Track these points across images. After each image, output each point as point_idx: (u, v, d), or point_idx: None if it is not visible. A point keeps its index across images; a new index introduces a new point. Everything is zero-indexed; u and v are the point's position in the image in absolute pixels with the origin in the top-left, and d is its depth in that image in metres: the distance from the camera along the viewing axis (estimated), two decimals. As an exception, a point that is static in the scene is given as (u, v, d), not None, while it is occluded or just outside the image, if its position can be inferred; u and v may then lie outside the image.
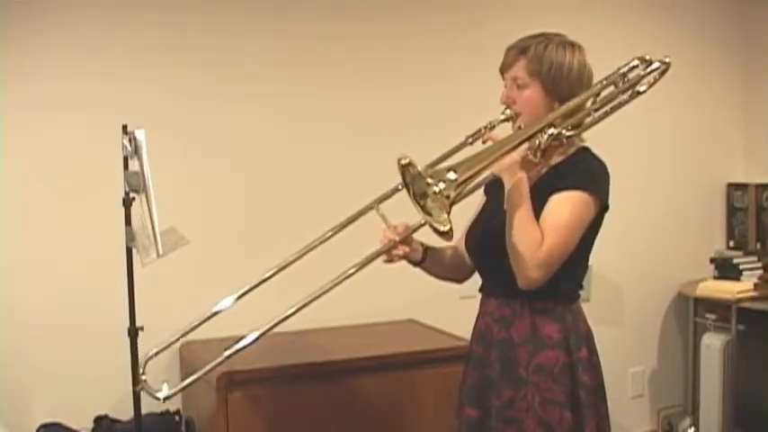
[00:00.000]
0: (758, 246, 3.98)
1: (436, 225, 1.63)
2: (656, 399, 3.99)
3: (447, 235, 1.62)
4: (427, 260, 2.02)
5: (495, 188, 1.94)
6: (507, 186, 1.77)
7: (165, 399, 1.90)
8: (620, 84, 1.86)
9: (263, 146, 3.13)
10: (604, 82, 1.87)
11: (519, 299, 1.86)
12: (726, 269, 3.78)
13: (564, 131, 1.81)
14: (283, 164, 3.16)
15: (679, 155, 3.97)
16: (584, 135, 1.90)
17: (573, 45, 1.89)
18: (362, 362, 2.70)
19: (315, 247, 2.05)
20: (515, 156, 1.75)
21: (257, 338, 1.90)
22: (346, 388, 2.65)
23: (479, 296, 2.02)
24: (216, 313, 2.04)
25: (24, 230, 2.77)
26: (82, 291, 2.82)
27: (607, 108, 1.85)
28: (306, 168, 3.18)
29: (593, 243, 1.89)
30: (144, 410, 2.48)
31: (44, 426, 2.72)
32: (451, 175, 1.60)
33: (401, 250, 1.93)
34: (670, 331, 4.02)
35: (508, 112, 1.88)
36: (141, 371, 1.99)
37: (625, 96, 1.86)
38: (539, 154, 1.80)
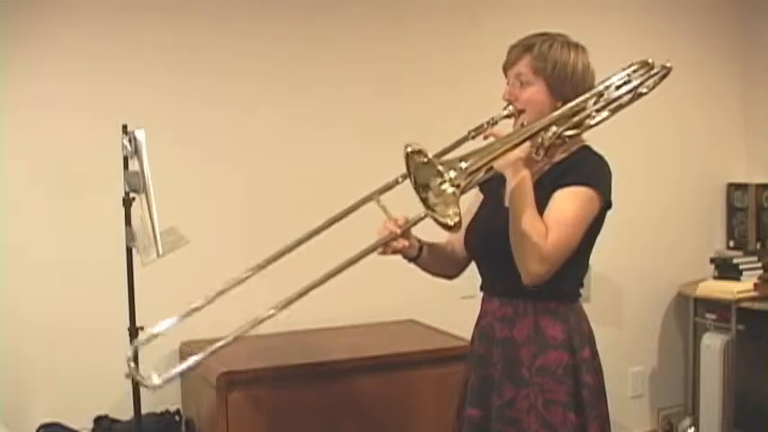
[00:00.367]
0: (758, 246, 3.98)
1: (440, 218, 1.62)
2: (656, 399, 3.99)
3: (452, 228, 1.62)
4: (422, 256, 2.02)
5: (493, 185, 1.94)
6: (511, 183, 1.77)
7: (156, 387, 1.88)
8: (622, 86, 1.86)
9: (263, 146, 3.13)
10: (607, 83, 1.87)
11: (522, 298, 1.86)
12: (726, 269, 3.78)
13: (566, 130, 1.81)
14: (284, 164, 3.16)
15: (679, 155, 3.97)
16: (585, 134, 1.90)
17: (577, 46, 1.90)
18: (362, 362, 2.70)
19: (312, 236, 2.04)
20: (519, 152, 1.75)
21: (247, 330, 1.88)
22: (346, 388, 2.65)
23: (479, 296, 2.02)
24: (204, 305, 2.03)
25: (24, 230, 2.77)
26: (82, 291, 2.82)
27: (609, 109, 1.85)
28: (306, 169, 3.18)
29: (594, 241, 1.89)
30: (144, 410, 2.48)
31: (44, 426, 2.73)
32: (463, 164, 1.60)
33: (400, 243, 1.93)
34: (670, 331, 4.02)
35: (510, 108, 1.88)
36: (131, 358, 1.97)
37: (626, 98, 1.86)
38: (542, 152, 1.80)
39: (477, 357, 1.96)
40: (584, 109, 1.84)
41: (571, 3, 3.62)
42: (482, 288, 2.01)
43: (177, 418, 2.89)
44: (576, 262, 1.83)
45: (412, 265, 2.05)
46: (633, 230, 3.66)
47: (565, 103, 1.84)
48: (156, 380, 1.87)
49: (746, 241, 4.02)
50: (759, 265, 3.76)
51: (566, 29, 1.95)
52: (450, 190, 1.59)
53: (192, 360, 1.89)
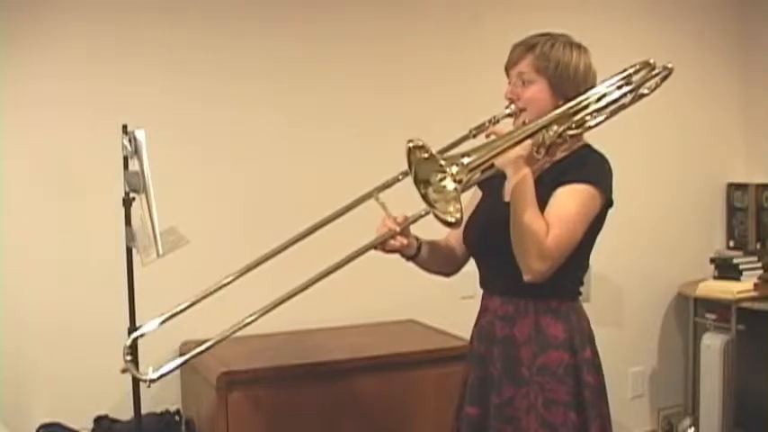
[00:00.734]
0: (758, 246, 3.98)
1: (441, 214, 1.63)
2: (656, 399, 3.99)
3: (453, 225, 1.62)
4: (420, 255, 2.02)
5: (492, 182, 1.94)
6: (512, 180, 1.77)
7: (151, 381, 1.88)
8: (624, 86, 1.86)
9: (263, 146, 3.13)
10: (608, 83, 1.87)
11: (523, 296, 1.86)
12: (726, 269, 3.78)
13: (568, 130, 1.81)
14: (284, 164, 3.16)
15: (679, 155, 3.97)
16: (585, 134, 1.90)
17: (579, 46, 1.90)
18: (362, 362, 2.70)
19: (310, 233, 2.04)
20: (520, 150, 1.76)
21: (242, 326, 1.88)
22: (346, 388, 2.65)
23: (479, 296, 2.02)
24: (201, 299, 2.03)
25: (24, 230, 2.77)
26: (82, 291, 2.82)
27: (610, 109, 1.85)
28: (306, 168, 3.18)
29: (595, 239, 1.89)
30: (144, 410, 2.48)
31: (44, 426, 2.73)
32: (465, 160, 1.60)
33: (398, 241, 1.93)
34: (670, 331, 4.02)
35: (513, 107, 1.89)
36: (127, 351, 1.97)
37: (628, 98, 1.86)
38: (543, 150, 1.80)
39: (476, 356, 1.96)
40: (585, 108, 1.84)
41: (571, 2, 3.62)
42: (482, 286, 2.01)
43: (177, 418, 2.89)
44: (576, 260, 1.83)
45: (412, 266, 2.05)
46: (633, 230, 3.66)
47: (566, 102, 1.84)
48: (151, 374, 1.86)
49: (746, 241, 4.02)
50: (759, 265, 3.76)
51: (566, 28, 1.95)
52: (452, 186, 1.59)
53: (190, 354, 1.89)
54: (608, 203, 1.85)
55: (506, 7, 3.52)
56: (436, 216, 1.65)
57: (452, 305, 2.95)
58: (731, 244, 4.09)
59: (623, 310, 3.89)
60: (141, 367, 2.07)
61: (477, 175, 1.74)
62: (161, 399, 2.86)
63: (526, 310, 1.87)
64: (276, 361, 2.66)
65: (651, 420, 3.99)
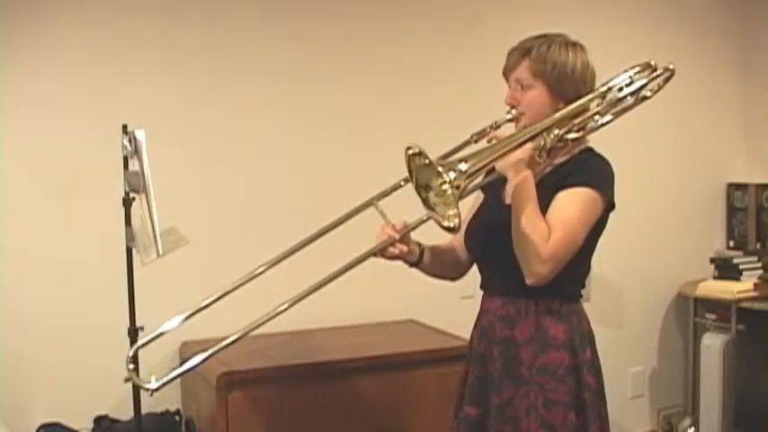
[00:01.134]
0: (758, 246, 3.98)
1: (440, 219, 1.63)
2: (656, 399, 3.99)
3: (452, 230, 1.62)
4: (423, 261, 2.02)
5: (493, 186, 1.94)
6: (512, 183, 1.77)
7: (154, 390, 1.88)
8: (625, 88, 1.86)
9: (263, 146, 3.13)
10: (609, 85, 1.87)
11: (524, 297, 1.86)
12: (726, 269, 3.78)
13: (569, 133, 1.81)
14: (284, 164, 3.16)
15: (679, 155, 3.97)
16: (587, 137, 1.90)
17: (575, 45, 1.89)
18: (362, 362, 2.70)
19: (311, 241, 2.05)
20: (521, 153, 1.76)
21: (246, 333, 1.89)
22: (346, 388, 2.65)
23: (479, 296, 2.02)
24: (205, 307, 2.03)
25: (24, 230, 2.77)
26: (82, 291, 2.82)
27: (612, 112, 1.85)
28: (307, 169, 3.18)
29: (596, 242, 1.89)
30: (144, 410, 2.48)
31: (44, 426, 2.72)
32: (463, 166, 1.60)
33: (398, 249, 1.93)
34: (670, 331, 4.02)
35: (514, 112, 1.89)
36: (129, 360, 1.98)
37: (630, 100, 1.86)
38: (544, 154, 1.80)
39: (476, 356, 1.96)
40: (586, 111, 1.84)
41: (571, 3, 3.62)
42: (482, 287, 2.01)
43: (177, 418, 2.89)
44: (578, 263, 1.83)
45: (407, 266, 2.05)
46: (633, 230, 3.66)
47: (566, 104, 1.84)
48: (153, 383, 1.87)
49: (746, 241, 4.02)
50: (759, 265, 3.76)
51: (565, 29, 1.95)
52: (450, 191, 1.59)
53: (188, 364, 1.89)
54: (610, 206, 1.85)
55: (505, 8, 3.52)
56: (435, 221, 1.65)
57: (452, 305, 2.95)
58: (731, 244, 4.09)
59: (623, 310, 3.89)
60: (142, 369, 2.08)
61: (478, 179, 1.74)
62: (161, 399, 2.85)
63: (527, 311, 1.87)
64: (276, 361, 2.66)
65: (651, 420, 3.99)
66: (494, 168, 1.80)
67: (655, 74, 1.87)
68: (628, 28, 3.77)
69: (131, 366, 1.96)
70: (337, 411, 2.62)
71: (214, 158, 3.05)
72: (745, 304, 3.60)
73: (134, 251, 2.34)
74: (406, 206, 1.86)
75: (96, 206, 2.76)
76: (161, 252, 2.23)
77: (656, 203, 3.88)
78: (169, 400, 2.89)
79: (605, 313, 3.70)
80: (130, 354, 2.00)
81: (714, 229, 4.12)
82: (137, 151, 2.26)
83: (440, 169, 1.59)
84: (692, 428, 3.82)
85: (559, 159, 1.89)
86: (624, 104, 1.86)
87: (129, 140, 2.28)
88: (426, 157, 1.62)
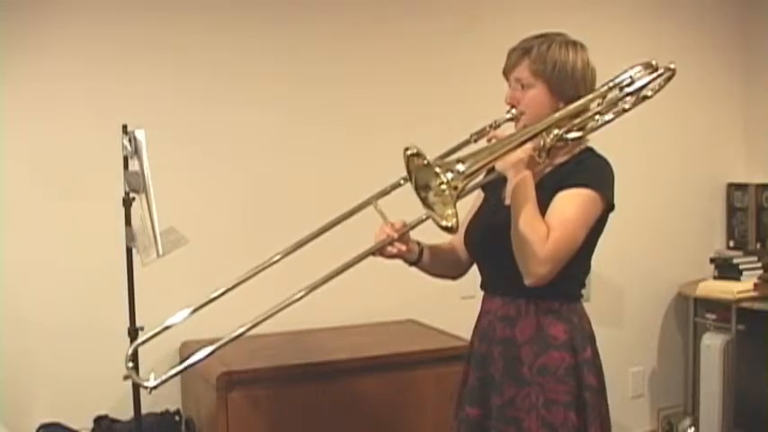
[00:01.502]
0: (758, 246, 3.98)
1: (439, 219, 1.63)
2: (656, 399, 3.99)
3: (451, 230, 1.62)
4: (422, 260, 2.02)
5: (493, 185, 1.94)
6: (512, 183, 1.77)
7: (153, 388, 1.88)
8: (626, 87, 1.85)
9: (263, 146, 3.13)
10: (610, 84, 1.87)
11: (524, 298, 1.86)
12: (726, 269, 3.78)
13: (569, 133, 1.80)
14: (283, 164, 3.16)
15: (679, 155, 3.97)
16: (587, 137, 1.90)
17: (575, 44, 1.89)
18: (362, 362, 2.70)
19: (310, 240, 2.05)
20: (520, 153, 1.75)
21: (242, 333, 1.89)
22: (346, 388, 2.65)
23: (480, 296, 2.01)
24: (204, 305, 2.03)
25: (24, 230, 2.77)
26: (82, 291, 2.82)
27: (612, 112, 1.85)
28: (306, 168, 3.19)
29: (596, 243, 1.89)
30: (144, 410, 2.48)
31: (44, 426, 2.73)
32: (460, 167, 1.60)
33: (397, 248, 1.93)
34: (670, 331, 4.02)
35: (514, 111, 1.88)
36: (129, 358, 1.98)
37: (630, 100, 1.86)
38: (544, 154, 1.79)
39: (477, 356, 1.96)
40: (586, 111, 1.84)
41: (570, 3, 3.62)
42: (483, 287, 2.01)
43: (177, 418, 2.89)
44: (578, 263, 1.83)
45: (407, 265, 2.05)
46: (633, 230, 3.66)
47: (567, 103, 1.84)
48: (152, 381, 1.86)
49: (746, 241, 4.02)
50: (759, 265, 3.76)
51: (565, 29, 1.95)
52: (448, 192, 1.59)
53: (187, 362, 1.89)
54: (609, 207, 1.85)
55: (504, 8, 3.52)
56: (434, 221, 1.65)
57: (452, 305, 2.95)
58: (731, 244, 4.09)
59: (623, 310, 3.89)
60: (142, 368, 2.08)
61: (477, 179, 1.74)
62: (161, 399, 2.85)
63: (527, 311, 1.87)
64: (276, 361, 2.66)
65: (651, 420, 3.99)
66: (494, 167, 1.80)
67: (656, 73, 1.86)
68: (628, 28, 3.77)
69: (130, 364, 1.96)
70: (337, 411, 2.62)
71: (214, 158, 3.05)
72: (745, 304, 3.60)
73: (134, 251, 2.34)
74: (406, 205, 1.85)
75: (96, 206, 2.76)
76: (161, 252, 2.23)
77: (656, 203, 3.88)
78: (169, 400, 2.89)
79: (605, 313, 3.69)
80: (130, 351, 2.00)
81: (714, 229, 4.12)
82: (137, 151, 2.26)
83: (437, 170, 1.58)
84: (692, 428, 3.82)
85: (559, 159, 1.89)
86: (625, 104, 1.85)
87: (129, 140, 2.28)
88: (424, 158, 1.62)
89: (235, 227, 3.06)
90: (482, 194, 2.06)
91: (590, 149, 1.91)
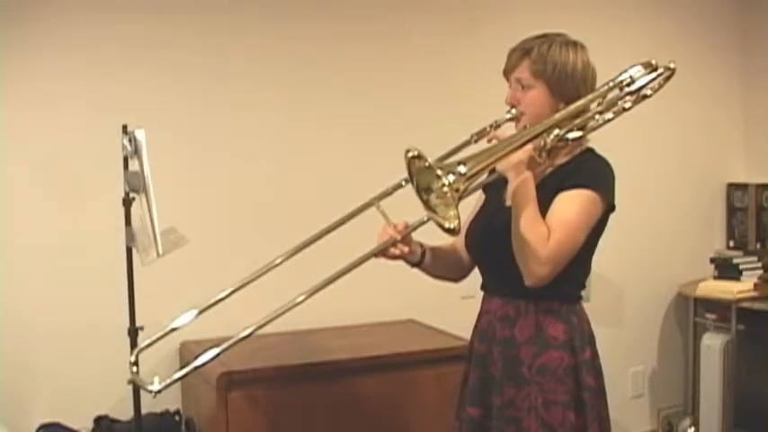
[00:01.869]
0: (758, 246, 3.98)
1: (441, 221, 1.63)
2: (656, 399, 3.99)
3: (453, 231, 1.62)
4: (424, 261, 2.02)
5: (494, 186, 1.95)
6: (513, 184, 1.77)
7: (157, 392, 1.88)
8: (626, 87, 1.85)
9: (263, 146, 3.13)
10: (610, 84, 1.87)
11: (524, 298, 1.86)
12: (726, 269, 3.78)
13: (569, 133, 1.81)
14: (284, 164, 3.16)
15: (679, 155, 3.97)
16: (587, 136, 1.90)
17: (576, 44, 1.89)
18: (362, 362, 2.70)
19: (312, 242, 2.05)
20: (521, 154, 1.75)
21: (250, 334, 1.89)
22: (346, 388, 2.65)
23: (480, 296, 2.01)
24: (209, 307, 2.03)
25: (25, 230, 2.77)
26: (82, 291, 2.82)
27: (612, 111, 1.85)
28: (307, 169, 3.19)
29: (596, 244, 1.89)
30: (144, 410, 2.48)
31: (44, 426, 2.73)
32: (462, 169, 1.60)
33: (399, 249, 1.93)
34: (670, 331, 4.02)
35: (514, 111, 1.88)
36: (133, 363, 1.98)
37: (630, 99, 1.86)
38: (544, 154, 1.79)
39: (477, 357, 1.96)
40: (586, 111, 1.84)
41: (570, 4, 3.62)
42: (483, 287, 2.01)
43: (177, 418, 2.89)
44: (578, 264, 1.83)
45: (409, 266, 2.05)
46: (634, 230, 3.66)
47: (567, 104, 1.84)
48: (156, 385, 1.87)
49: (746, 241, 4.02)
50: (759, 265, 3.76)
51: (565, 29, 1.95)
52: (450, 194, 1.59)
53: (192, 365, 1.89)
54: (609, 208, 1.85)
55: (504, 9, 3.52)
56: (436, 223, 1.65)
57: (452, 305, 2.94)
58: (731, 244, 4.09)
59: (623, 310, 3.89)
60: (142, 369, 2.08)
61: (479, 180, 1.74)
62: (161, 399, 2.81)
63: (527, 311, 1.87)
64: (276, 361, 2.66)
65: (651, 420, 3.99)
66: (495, 168, 1.80)
67: (655, 73, 1.86)
68: (628, 29, 3.77)
69: (134, 369, 1.96)
70: (337, 411, 2.62)
71: (214, 158, 3.05)
72: (745, 304, 3.60)
73: (134, 251, 2.34)
74: (408, 207, 1.85)
75: (96, 206, 2.76)
76: (161, 252, 2.23)
77: (656, 203, 3.88)
78: (169, 400, 2.89)
79: (605, 313, 3.70)
80: (133, 357, 2.00)
81: (714, 229, 4.12)
82: (137, 151, 2.26)
83: (439, 172, 1.58)
84: (692, 428, 3.82)
85: (560, 160, 1.89)
86: (625, 103, 1.85)
87: (129, 140, 2.28)
88: (426, 160, 1.62)
89: (235, 227, 3.06)
90: (483, 196, 2.06)
91: (590, 150, 1.91)
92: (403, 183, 1.95)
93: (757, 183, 4.01)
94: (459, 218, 1.59)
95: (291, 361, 2.67)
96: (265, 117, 3.12)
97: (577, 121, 1.82)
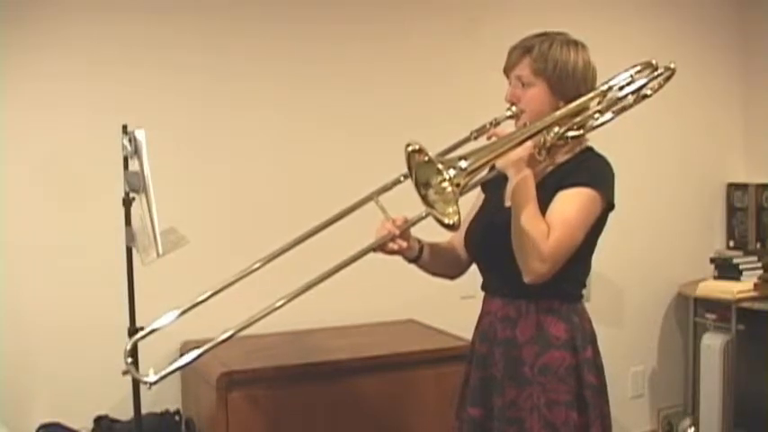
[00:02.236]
0: (758, 246, 3.98)
1: (440, 217, 1.63)
2: (656, 399, 3.99)
3: (452, 227, 1.62)
4: (422, 257, 2.02)
5: (493, 185, 1.95)
6: (512, 182, 1.77)
7: (152, 384, 1.88)
8: (626, 87, 1.86)
9: (263, 145, 3.13)
10: (610, 83, 1.87)
11: (524, 298, 1.86)
12: (726, 269, 3.78)
13: (569, 131, 1.81)
14: (284, 164, 3.16)
15: (679, 155, 3.97)
16: (587, 135, 1.90)
17: (576, 43, 1.89)
18: (362, 362, 2.70)
19: (310, 236, 2.04)
20: (521, 151, 1.75)
21: (241, 329, 1.88)
22: (346, 388, 2.65)
23: (480, 296, 2.01)
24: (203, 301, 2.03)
25: (25, 230, 2.77)
26: (82, 291, 2.82)
27: (612, 110, 1.85)
28: (307, 169, 3.19)
29: (596, 243, 1.89)
30: (144, 410, 2.48)
31: (44, 426, 2.72)
32: (463, 163, 1.60)
33: (398, 244, 1.93)
34: (670, 331, 4.02)
35: (514, 109, 1.89)
36: (128, 354, 1.98)
37: (630, 99, 1.86)
38: (544, 152, 1.79)
39: (478, 357, 1.96)
40: (586, 109, 1.84)
41: (570, 4, 3.62)
42: (483, 288, 2.01)
43: (177, 418, 2.89)
44: (578, 263, 1.83)
45: (412, 265, 2.05)
46: (634, 230, 3.66)
47: (567, 102, 1.84)
48: (152, 377, 1.86)
49: (746, 241, 4.02)
50: (759, 265, 3.76)
51: (565, 29, 1.95)
52: (450, 188, 1.58)
53: (187, 357, 1.89)
54: (609, 207, 1.85)
55: (504, 9, 3.52)
56: (435, 218, 1.65)
57: (452, 305, 2.95)
58: (731, 244, 4.09)
59: (623, 310, 3.89)
60: (142, 367, 2.08)
61: (479, 176, 1.74)
62: (161, 399, 2.86)
63: (527, 311, 1.87)
64: (276, 361, 2.66)
65: (651, 420, 3.99)
66: (494, 166, 1.80)
67: (656, 73, 1.87)
68: (628, 28, 3.77)
69: (129, 359, 1.96)
70: (337, 411, 2.62)
71: (214, 158, 3.05)
72: (745, 304, 3.60)
73: (134, 251, 2.34)
74: (406, 202, 1.85)
75: (96, 206, 2.76)
76: (161, 252, 2.23)
77: (656, 203, 3.88)
78: (169, 400, 2.89)
79: (605, 313, 3.69)
80: (128, 347, 2.00)
81: (714, 229, 4.12)
82: (137, 151, 2.26)
83: (440, 167, 1.58)
84: (692, 428, 3.82)
85: (560, 159, 1.89)
86: (624, 103, 1.86)
87: (129, 140, 2.28)
88: (426, 154, 1.62)
89: (235, 227, 3.06)
90: (482, 196, 2.06)
91: (590, 149, 1.92)
92: (401, 178, 1.95)
93: (757, 183, 4.01)
94: (459, 214, 1.59)
95: (291, 361, 2.67)
96: (265, 117, 3.12)
97: (577, 119, 1.82)
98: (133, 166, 2.29)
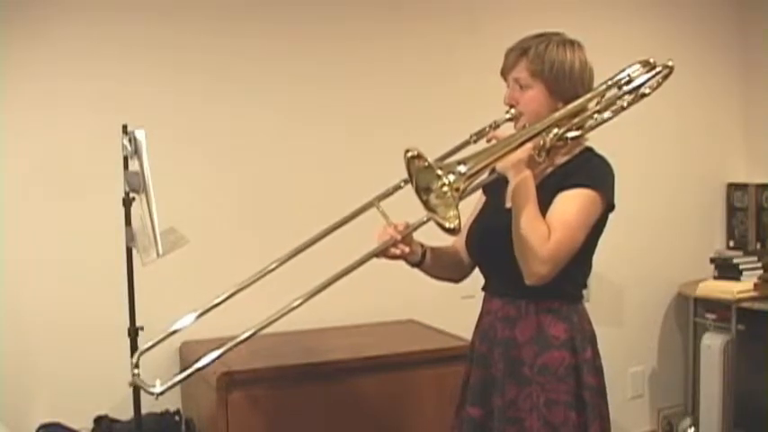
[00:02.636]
0: (758, 246, 3.98)
1: (441, 221, 1.63)
2: (656, 399, 3.99)
3: (454, 231, 1.62)
4: (425, 261, 2.02)
5: (494, 187, 1.95)
6: (513, 183, 1.77)
7: (159, 394, 1.88)
8: (624, 86, 1.86)
9: (263, 146, 3.13)
10: (609, 83, 1.87)
11: (524, 298, 1.86)
12: (726, 269, 3.78)
13: (568, 132, 1.81)
14: (284, 164, 3.16)
15: (679, 155, 3.97)
16: (587, 135, 1.90)
17: (573, 43, 1.89)
18: (362, 362, 2.70)
19: (312, 244, 2.05)
20: (521, 153, 1.75)
21: (250, 336, 1.89)
22: (346, 388, 2.65)
23: (480, 296, 2.01)
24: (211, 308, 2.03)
25: (24, 230, 2.77)
26: (82, 291, 2.82)
27: (611, 110, 1.85)
28: (307, 168, 3.19)
29: (596, 243, 1.89)
30: (144, 410, 2.48)
31: (44, 426, 2.73)
32: (461, 168, 1.60)
33: (400, 249, 1.93)
34: (670, 331, 4.02)
35: (513, 111, 1.89)
36: (134, 365, 1.98)
37: (629, 98, 1.86)
38: (544, 153, 1.79)
39: (478, 357, 1.96)
40: (585, 110, 1.84)
41: (569, 4, 3.62)
42: (484, 288, 2.01)
43: (177, 418, 2.89)
44: (578, 263, 1.83)
45: (409, 266, 2.05)
46: (633, 230, 3.65)
47: (565, 103, 1.84)
48: (158, 387, 1.87)
49: (746, 241, 4.02)
50: (759, 265, 3.76)
51: (564, 29, 1.95)
52: (450, 193, 1.59)
53: (194, 368, 1.90)
54: (609, 207, 1.85)
55: (504, 9, 3.52)
56: (436, 223, 1.65)
57: (452, 305, 2.95)
58: (731, 244, 4.09)
59: (623, 310, 3.89)
60: (142, 369, 2.08)
61: (479, 180, 1.74)
62: (161, 399, 2.83)
63: (527, 311, 1.87)
64: (276, 361, 2.66)
65: (651, 420, 3.99)
66: (494, 168, 1.80)
67: (654, 71, 1.87)
68: (627, 28, 3.77)
69: (136, 371, 1.96)
70: (337, 411, 2.62)
71: (214, 158, 3.05)
72: (745, 304, 3.60)
73: (134, 251, 2.34)
74: (408, 207, 1.85)
75: (96, 206, 2.76)
76: (161, 252, 2.23)
77: (656, 203, 3.88)
78: (169, 401, 2.89)
79: (605, 313, 3.69)
80: (135, 359, 2.00)
81: (714, 229, 4.12)
82: (137, 151, 2.26)
83: (439, 172, 1.59)
84: (692, 428, 3.82)
85: (560, 160, 1.89)
86: (623, 102, 1.86)
87: (129, 140, 2.28)
88: (425, 160, 1.62)
89: (235, 227, 3.06)
90: (483, 198, 2.06)
91: (590, 150, 1.92)
92: (402, 184, 1.95)
93: (757, 183, 4.01)
94: (459, 218, 1.60)
95: (291, 361, 2.67)
96: (265, 117, 3.12)
97: (576, 120, 1.82)
98: (133, 166, 2.29)
